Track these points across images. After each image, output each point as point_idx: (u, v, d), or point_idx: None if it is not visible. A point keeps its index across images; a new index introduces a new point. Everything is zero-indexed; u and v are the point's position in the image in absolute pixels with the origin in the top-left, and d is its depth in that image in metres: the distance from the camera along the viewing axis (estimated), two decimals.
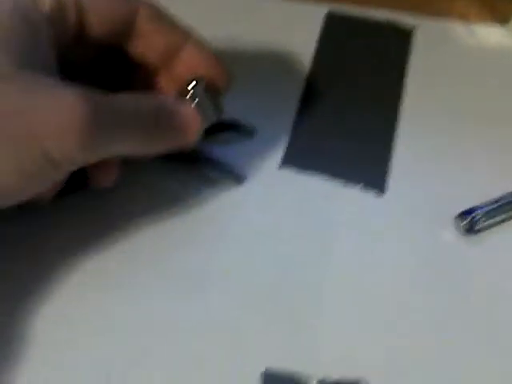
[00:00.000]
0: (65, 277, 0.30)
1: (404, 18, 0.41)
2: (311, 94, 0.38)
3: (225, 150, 0.34)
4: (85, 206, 0.32)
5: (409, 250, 0.32)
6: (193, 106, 0.29)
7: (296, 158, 0.35)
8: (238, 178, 0.33)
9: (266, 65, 0.39)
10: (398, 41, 0.40)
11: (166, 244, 0.31)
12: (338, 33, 0.41)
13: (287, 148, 0.35)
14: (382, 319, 0.30)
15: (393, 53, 0.40)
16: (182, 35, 0.30)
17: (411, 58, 0.40)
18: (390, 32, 0.41)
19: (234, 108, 0.35)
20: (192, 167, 0.33)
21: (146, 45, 0.30)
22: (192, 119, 0.28)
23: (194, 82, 0.29)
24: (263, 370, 0.28)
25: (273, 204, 0.33)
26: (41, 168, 0.24)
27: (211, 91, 0.30)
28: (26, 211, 0.29)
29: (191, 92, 0.29)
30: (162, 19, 0.29)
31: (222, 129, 0.34)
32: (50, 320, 0.29)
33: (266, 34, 0.40)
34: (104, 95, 0.25)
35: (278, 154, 0.35)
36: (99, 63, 0.31)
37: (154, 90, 0.31)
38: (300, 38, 0.40)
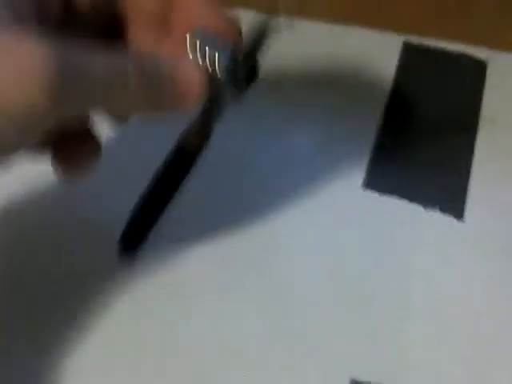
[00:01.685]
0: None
1: (477, 51, 0.42)
2: (391, 119, 0.39)
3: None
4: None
5: (489, 276, 0.32)
6: (195, 57, 0.24)
7: (377, 182, 0.36)
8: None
9: (349, 88, 0.40)
10: (473, 71, 0.42)
11: (243, 256, 0.32)
12: (416, 62, 0.42)
13: (368, 172, 0.36)
14: (464, 344, 0.30)
15: (468, 83, 0.41)
16: None
17: (486, 87, 0.41)
18: (465, 63, 0.42)
19: (317, 127, 0.37)
20: None
21: (135, 3, 0.26)
22: (191, 74, 0.24)
23: (197, 29, 0.24)
24: (348, 380, 0.28)
25: (356, 222, 0.34)
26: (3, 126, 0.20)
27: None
28: None
29: (192, 42, 0.24)
30: None
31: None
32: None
33: (349, 60, 0.41)
34: (78, 46, 0.21)
35: (362, 174, 0.36)
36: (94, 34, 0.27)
37: None
38: (379, 65, 0.41)
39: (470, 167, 0.37)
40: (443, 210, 0.35)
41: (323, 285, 0.32)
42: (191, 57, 0.25)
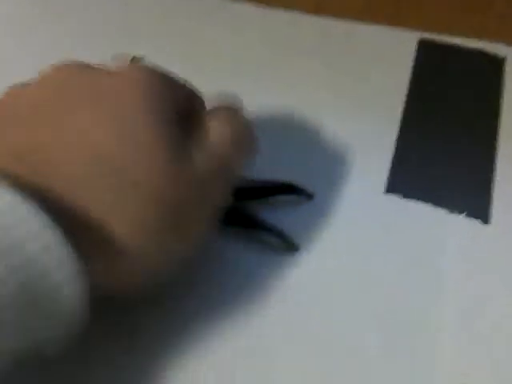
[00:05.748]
0: None
1: (494, 47, 0.41)
2: (410, 121, 0.38)
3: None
4: None
5: None
6: None
7: (399, 186, 0.35)
8: (291, 246, 0.32)
9: (364, 89, 0.39)
10: (491, 68, 0.40)
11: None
12: (432, 59, 0.41)
13: (390, 176, 0.35)
14: (496, 354, 0.29)
15: (486, 80, 0.40)
16: None
17: (505, 84, 0.40)
18: (482, 59, 0.41)
19: (337, 131, 0.36)
20: (251, 233, 0.33)
21: None
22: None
23: None
24: None
25: (379, 228, 0.33)
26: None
27: None
28: None
29: None
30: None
31: (279, 192, 0.34)
32: None
33: (363, 59, 0.40)
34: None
35: (383, 178, 0.35)
36: None
37: None
38: (395, 63, 0.40)
39: (493, 167, 0.36)
40: (469, 214, 0.34)
41: (348, 293, 0.31)
42: None
